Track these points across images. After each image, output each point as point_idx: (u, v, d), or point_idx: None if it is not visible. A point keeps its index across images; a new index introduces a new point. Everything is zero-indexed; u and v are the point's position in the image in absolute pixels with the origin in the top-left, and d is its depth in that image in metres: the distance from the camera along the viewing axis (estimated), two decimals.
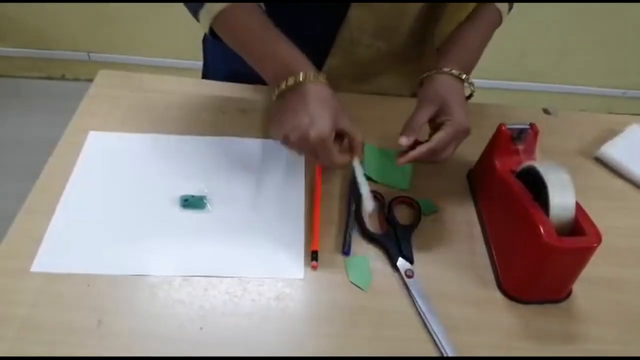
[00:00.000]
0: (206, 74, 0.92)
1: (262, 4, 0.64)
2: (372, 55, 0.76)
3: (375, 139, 0.73)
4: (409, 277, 0.57)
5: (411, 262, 0.59)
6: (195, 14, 0.63)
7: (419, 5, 0.71)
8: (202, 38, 0.89)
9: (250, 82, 0.78)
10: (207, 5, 0.60)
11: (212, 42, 0.64)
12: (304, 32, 0.64)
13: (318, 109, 0.55)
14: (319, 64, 0.76)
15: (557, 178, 0.54)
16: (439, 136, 0.60)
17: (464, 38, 0.68)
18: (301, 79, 0.56)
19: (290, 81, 0.57)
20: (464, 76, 0.64)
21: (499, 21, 0.72)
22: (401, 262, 0.59)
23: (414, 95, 0.84)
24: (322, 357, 0.52)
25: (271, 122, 0.61)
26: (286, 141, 0.57)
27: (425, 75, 0.65)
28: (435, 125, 0.62)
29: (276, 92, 0.58)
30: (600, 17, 1.82)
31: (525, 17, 1.81)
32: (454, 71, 0.63)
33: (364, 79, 0.80)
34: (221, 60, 0.84)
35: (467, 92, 0.66)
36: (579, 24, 1.85)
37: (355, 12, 0.69)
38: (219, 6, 0.59)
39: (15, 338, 0.50)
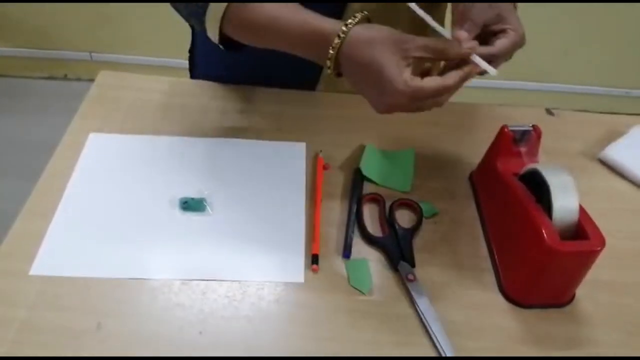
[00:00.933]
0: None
1: None
2: None
3: (376, 140, 0.73)
4: (410, 280, 0.57)
5: (412, 265, 0.58)
6: (201, 24, 0.60)
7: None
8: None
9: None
10: (211, 7, 0.58)
11: (201, 51, 0.62)
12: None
13: (376, 70, 0.51)
14: (317, 69, 0.75)
15: (560, 180, 0.54)
16: (503, 43, 0.57)
17: None
18: (338, 42, 0.53)
19: (332, 51, 0.53)
20: None
21: None
22: (402, 266, 0.58)
23: None
24: (322, 357, 0.51)
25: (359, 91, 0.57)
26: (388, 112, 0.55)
27: None
28: (488, 31, 0.58)
29: (329, 65, 0.55)
30: (603, 16, 1.81)
31: (527, 16, 1.80)
32: None
33: None
34: (207, 69, 0.84)
35: None
36: (582, 24, 1.84)
37: (353, 11, 0.68)
38: (223, 5, 0.57)
39: (14, 341, 0.50)
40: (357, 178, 0.67)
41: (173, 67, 1.90)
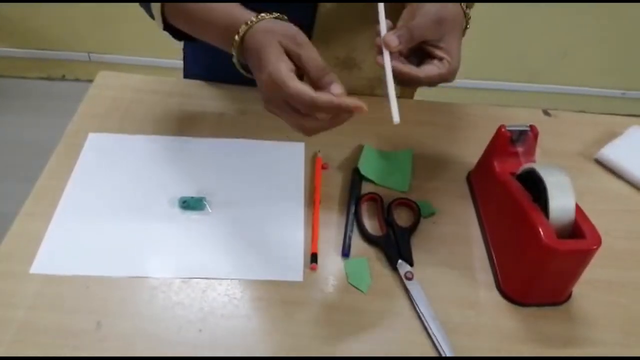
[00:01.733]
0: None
1: None
2: (352, 44, 0.74)
3: (374, 140, 0.73)
4: (409, 279, 0.57)
5: (411, 264, 0.59)
6: (148, 9, 0.62)
7: None
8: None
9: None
10: None
11: (190, 52, 0.63)
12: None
13: (259, 54, 0.50)
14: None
15: (557, 180, 0.54)
16: (432, 72, 0.54)
17: None
18: (244, 28, 0.52)
19: (237, 37, 0.52)
20: (469, 12, 0.59)
21: None
22: (401, 264, 0.59)
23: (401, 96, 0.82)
24: (323, 356, 0.52)
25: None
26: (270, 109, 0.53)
27: None
28: (424, 49, 0.56)
29: (233, 52, 0.54)
30: (600, 17, 1.82)
31: (524, 18, 1.82)
32: (463, 4, 0.58)
33: (353, 65, 0.77)
34: (200, 67, 0.84)
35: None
36: (579, 25, 1.85)
37: (323, 10, 0.68)
38: None
39: (13, 340, 0.50)
40: (356, 178, 0.67)
41: (171, 68, 1.90)
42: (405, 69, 0.53)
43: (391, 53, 0.52)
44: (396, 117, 0.49)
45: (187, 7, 0.60)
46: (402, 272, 0.58)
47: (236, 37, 0.53)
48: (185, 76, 0.90)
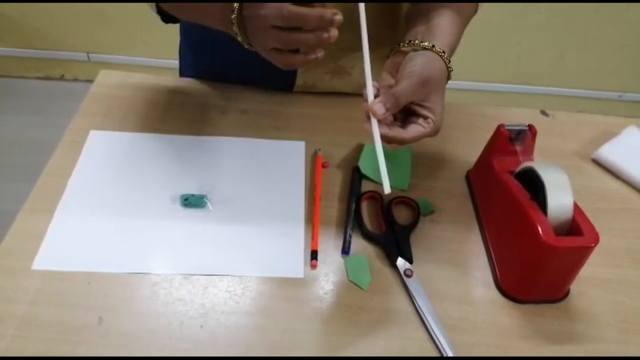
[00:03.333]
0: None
1: None
2: (342, 47, 0.75)
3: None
4: (408, 276, 0.58)
5: (410, 261, 0.59)
6: None
7: None
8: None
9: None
10: None
11: (185, 47, 0.63)
12: None
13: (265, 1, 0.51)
14: (292, 71, 0.76)
15: (555, 179, 0.55)
16: (417, 133, 0.57)
17: (448, 25, 0.63)
18: (237, 5, 0.53)
19: (236, 5, 0.53)
20: (449, 62, 0.60)
21: (475, 11, 0.69)
22: (400, 262, 0.59)
23: None
24: (322, 357, 0.52)
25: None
26: (267, 50, 0.53)
27: (411, 43, 0.60)
28: (409, 108, 0.58)
29: (235, 30, 0.54)
30: (596, 20, 1.84)
31: (521, 20, 1.83)
32: (444, 55, 0.58)
33: (342, 72, 0.79)
34: (195, 69, 0.85)
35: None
36: (575, 28, 1.86)
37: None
38: None
39: (15, 335, 0.50)
40: (356, 176, 0.68)
41: (170, 68, 1.90)
42: (392, 133, 0.56)
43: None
44: (387, 189, 0.51)
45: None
46: (401, 269, 0.58)
47: (233, 15, 0.54)
48: (181, 76, 0.91)
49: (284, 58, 0.53)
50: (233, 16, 0.54)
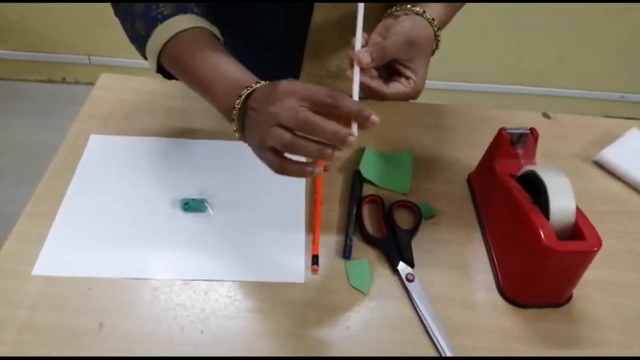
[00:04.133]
0: None
1: (217, 32, 0.61)
2: (342, 56, 0.75)
3: (374, 142, 0.73)
4: (410, 281, 0.58)
5: (412, 266, 0.59)
6: (141, 51, 0.60)
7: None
8: None
9: None
10: (152, 39, 0.57)
11: None
12: (271, 39, 0.61)
13: (280, 98, 0.48)
14: (295, 74, 0.76)
15: (557, 182, 0.54)
16: (398, 90, 0.57)
17: (440, 3, 0.63)
18: (246, 91, 0.51)
19: (244, 92, 0.51)
20: (438, 31, 0.60)
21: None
22: (402, 266, 0.59)
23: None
24: (322, 357, 0.52)
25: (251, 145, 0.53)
26: (263, 148, 0.50)
27: (402, 7, 0.60)
28: (392, 66, 0.58)
29: (234, 114, 0.52)
30: (598, 21, 1.83)
31: (522, 22, 1.82)
32: (434, 23, 0.59)
33: (344, 76, 0.79)
34: None
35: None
36: (577, 28, 1.86)
37: (320, 13, 0.69)
38: (166, 36, 0.56)
39: (15, 341, 0.50)
40: (357, 180, 0.68)
41: None
42: (373, 84, 0.56)
43: (361, 68, 0.54)
44: (355, 132, 0.48)
45: (182, 59, 0.58)
46: (403, 273, 0.58)
47: (237, 102, 0.52)
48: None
49: (280, 162, 0.50)
50: (238, 102, 0.51)
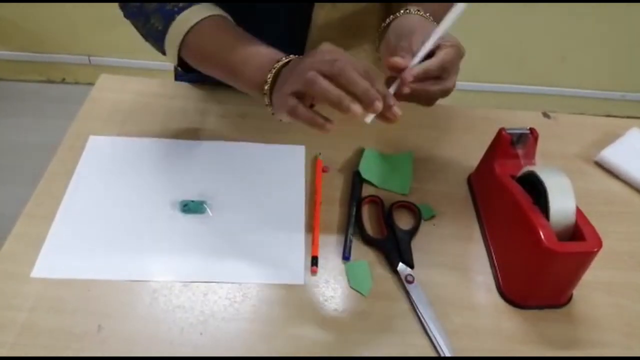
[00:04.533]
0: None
1: (231, 20, 0.62)
2: (344, 47, 0.75)
3: (374, 143, 0.73)
4: (409, 282, 0.57)
5: (411, 267, 0.59)
6: (159, 46, 0.60)
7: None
8: None
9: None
10: (171, 31, 0.58)
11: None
12: (271, 40, 0.62)
13: (320, 51, 0.50)
14: None
15: (557, 182, 0.54)
16: (445, 51, 0.54)
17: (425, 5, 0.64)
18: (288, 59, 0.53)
19: (277, 65, 0.52)
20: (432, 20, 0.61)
21: None
22: (401, 267, 0.59)
23: None
24: (322, 357, 0.52)
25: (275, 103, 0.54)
26: (288, 92, 0.50)
27: (399, 13, 0.61)
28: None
29: (266, 88, 0.53)
30: (599, 20, 1.83)
31: (524, 21, 1.82)
32: (432, 18, 0.61)
33: None
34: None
35: None
36: (578, 28, 1.86)
37: (320, 13, 0.69)
38: (185, 28, 0.57)
39: (14, 343, 0.50)
40: (356, 181, 0.67)
41: (170, 71, 1.90)
42: (431, 63, 0.54)
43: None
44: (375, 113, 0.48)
45: (204, 48, 0.59)
46: (403, 275, 0.58)
47: (269, 76, 0.53)
48: (176, 80, 0.90)
49: (297, 105, 0.49)
50: (269, 76, 0.52)
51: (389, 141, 0.74)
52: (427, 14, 0.60)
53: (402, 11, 0.61)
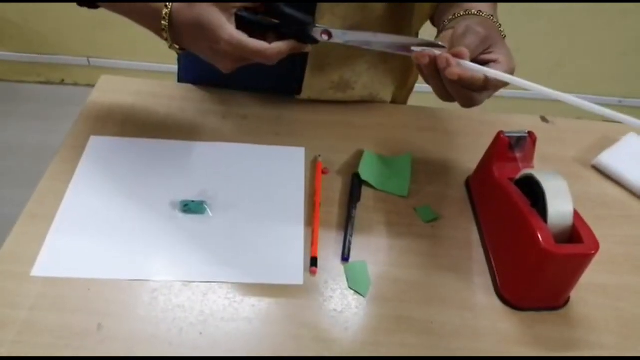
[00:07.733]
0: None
1: None
2: (348, 61, 0.76)
3: (374, 145, 0.74)
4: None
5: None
6: None
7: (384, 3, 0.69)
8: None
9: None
10: None
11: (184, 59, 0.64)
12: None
13: (200, 24, 0.55)
14: (299, 77, 0.76)
15: (555, 186, 0.55)
16: (498, 68, 0.55)
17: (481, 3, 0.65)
18: (166, 11, 0.56)
19: (164, 22, 0.56)
20: (496, 20, 0.62)
21: None
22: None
23: (393, 102, 0.83)
24: (322, 357, 0.52)
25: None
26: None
27: (456, 15, 0.62)
28: (477, 62, 0.56)
29: (165, 36, 0.58)
30: (596, 26, 1.84)
31: (521, 26, 1.83)
32: (494, 18, 0.62)
33: (347, 87, 0.78)
34: (192, 75, 0.85)
35: None
36: (575, 33, 1.87)
37: (322, 23, 0.69)
38: None
39: (14, 341, 0.50)
40: (356, 182, 0.68)
41: (170, 73, 1.89)
42: (470, 74, 0.54)
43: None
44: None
45: None
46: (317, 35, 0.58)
47: (163, 22, 0.57)
48: (179, 81, 0.91)
49: (234, 67, 0.58)
50: (163, 24, 0.57)
51: (388, 143, 0.75)
52: (495, 19, 0.61)
53: (467, 13, 0.62)
